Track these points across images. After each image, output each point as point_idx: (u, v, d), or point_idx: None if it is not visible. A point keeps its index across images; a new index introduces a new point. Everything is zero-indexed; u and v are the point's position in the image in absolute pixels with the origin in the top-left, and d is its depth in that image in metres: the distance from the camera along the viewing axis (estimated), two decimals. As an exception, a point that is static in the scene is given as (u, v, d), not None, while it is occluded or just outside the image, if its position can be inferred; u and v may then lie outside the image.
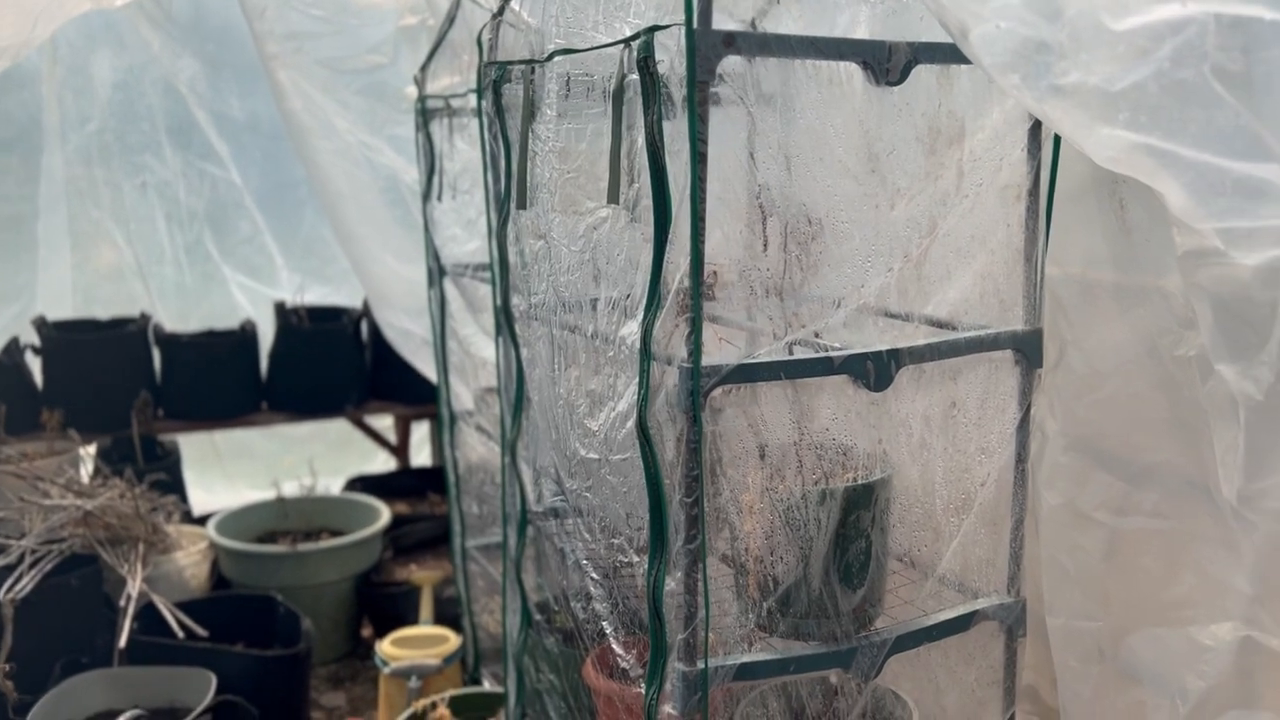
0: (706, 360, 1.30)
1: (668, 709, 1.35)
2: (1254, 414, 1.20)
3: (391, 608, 3.19)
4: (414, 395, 3.86)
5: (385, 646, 2.62)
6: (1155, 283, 1.39)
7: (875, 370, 1.39)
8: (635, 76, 1.31)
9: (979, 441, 1.54)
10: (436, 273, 2.69)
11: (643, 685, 1.39)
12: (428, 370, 3.45)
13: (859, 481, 1.43)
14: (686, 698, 1.34)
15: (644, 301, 1.34)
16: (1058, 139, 1.45)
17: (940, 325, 1.52)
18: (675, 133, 1.28)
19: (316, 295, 4.13)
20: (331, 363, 3.85)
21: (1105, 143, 1.06)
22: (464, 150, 2.52)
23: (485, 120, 1.88)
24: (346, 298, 4.15)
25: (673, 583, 1.34)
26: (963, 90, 1.44)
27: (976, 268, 1.50)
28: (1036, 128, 1.45)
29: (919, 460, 1.50)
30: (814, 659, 1.42)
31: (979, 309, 1.51)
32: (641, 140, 1.32)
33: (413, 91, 2.78)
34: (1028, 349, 1.52)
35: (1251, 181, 1.02)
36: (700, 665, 1.34)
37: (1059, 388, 1.54)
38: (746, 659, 1.38)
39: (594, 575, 1.61)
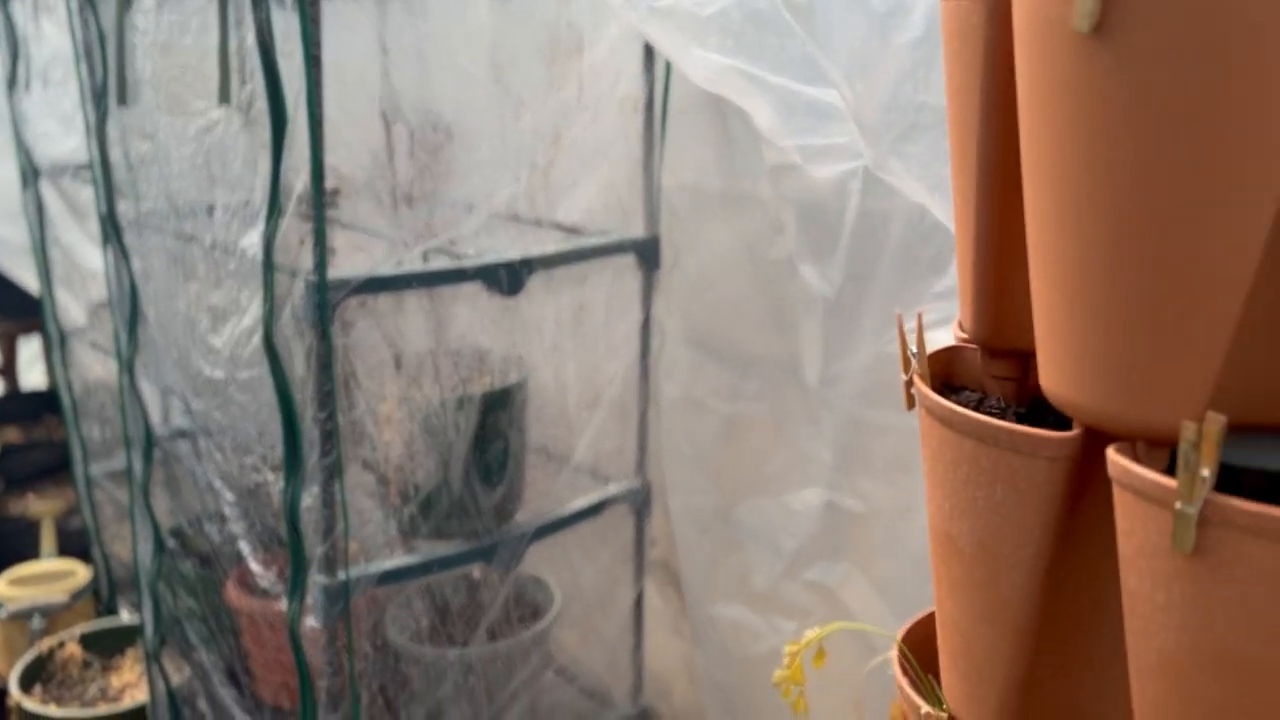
0: (335, 272, 1.28)
1: (309, 621, 1.36)
2: (829, 308, 1.37)
3: (7, 545, 2.90)
4: (17, 309, 3.45)
5: (1, 587, 2.39)
6: (753, 191, 1.53)
7: (508, 277, 1.44)
8: (240, -32, 1.24)
9: (606, 341, 1.64)
10: (30, 174, 2.40)
11: (284, 602, 1.39)
12: (31, 281, 3.10)
13: (496, 386, 1.49)
14: (328, 609, 1.35)
15: (264, 210, 1.29)
16: (670, 54, 1.54)
17: (568, 231, 1.58)
18: (289, 30, 1.23)
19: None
20: (-95, 274, 3.34)
21: (699, 64, 1.15)
22: (54, 35, 2.24)
23: (74, 2, 1.68)
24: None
25: (309, 498, 1.33)
26: (581, 3, 1.48)
27: (600, 177, 1.58)
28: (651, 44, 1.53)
29: (552, 361, 1.58)
30: (457, 558, 1.48)
31: (603, 216, 1.59)
32: (252, 38, 1.25)
33: (-15, -38, 2.41)
34: (647, 254, 1.62)
35: (820, 104, 1.15)
36: (341, 576, 1.35)
37: (675, 289, 1.66)
38: (389, 565, 1.41)
39: (229, 496, 1.56)
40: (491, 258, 1.40)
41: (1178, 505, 0.55)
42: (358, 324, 1.32)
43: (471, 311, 1.45)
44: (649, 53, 1.53)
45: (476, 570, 1.66)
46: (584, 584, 1.76)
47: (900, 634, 0.91)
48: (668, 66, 1.55)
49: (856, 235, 1.28)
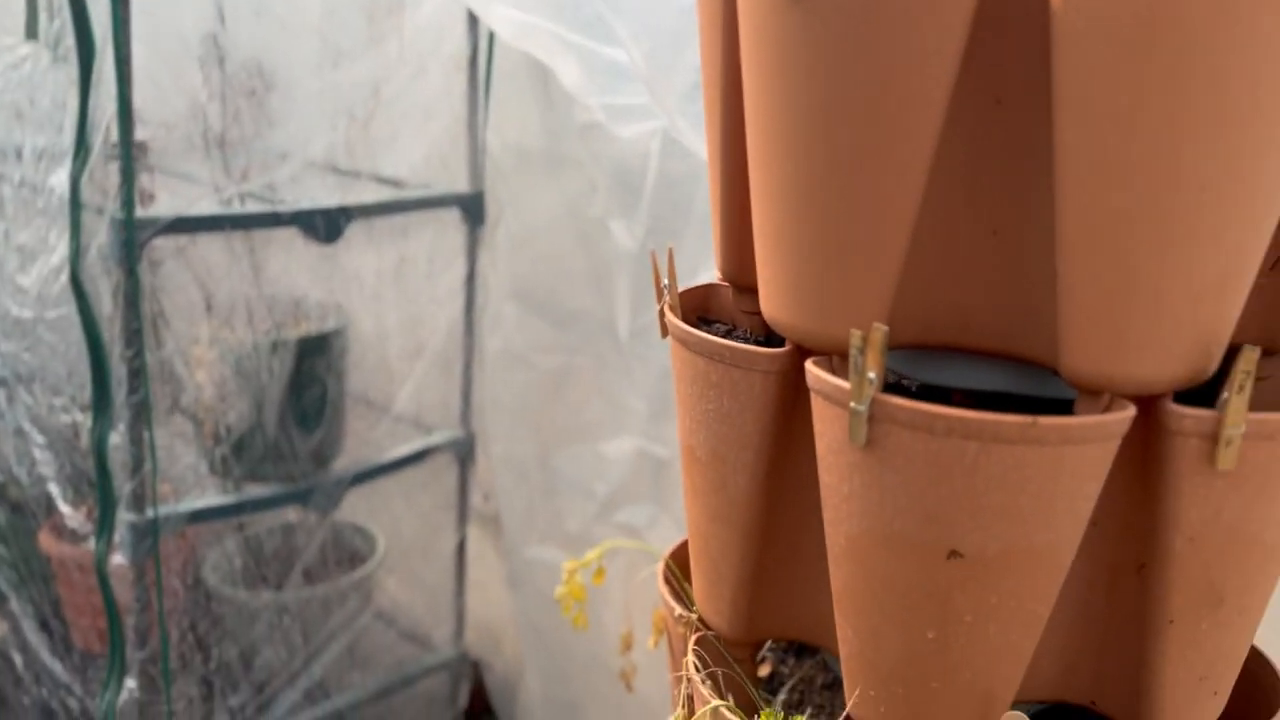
0: (144, 211, 1.29)
1: (117, 559, 1.37)
2: (634, 262, 1.45)
3: None
4: None
5: None
6: (572, 152, 1.60)
7: (325, 224, 1.47)
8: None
9: (430, 293, 1.68)
10: None
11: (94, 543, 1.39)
12: None
13: (313, 332, 1.51)
14: (136, 546, 1.36)
15: (72, 148, 1.28)
16: (495, 15, 1.59)
17: (391, 184, 1.62)
18: (99, -32, 1.23)
19: None
20: None
21: (503, 20, 1.20)
22: None
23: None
24: None
25: (117, 436, 1.34)
26: (405, -41, 1.51)
27: (424, 133, 1.62)
28: (476, 2, 1.58)
29: (373, 311, 1.62)
30: (271, 499, 1.51)
31: (426, 171, 1.63)
32: (60, -26, 1.24)
33: None
34: (471, 209, 1.67)
35: (620, 64, 1.22)
36: (149, 514, 1.36)
37: (499, 244, 1.72)
38: (200, 504, 1.43)
39: (39, 439, 1.55)
40: (307, 204, 1.43)
41: (852, 405, 0.65)
42: (166, 264, 1.33)
43: (288, 257, 1.47)
44: (473, 12, 1.58)
45: (294, 514, 1.69)
46: (406, 531, 1.80)
47: (668, 552, 1.00)
48: (492, 27, 1.60)
49: (659, 192, 1.36)
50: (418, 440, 1.71)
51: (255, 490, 1.48)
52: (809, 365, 0.69)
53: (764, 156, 0.70)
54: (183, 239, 1.34)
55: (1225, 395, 0.62)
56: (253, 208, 1.43)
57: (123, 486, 1.34)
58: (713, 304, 0.93)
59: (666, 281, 0.85)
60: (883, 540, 0.68)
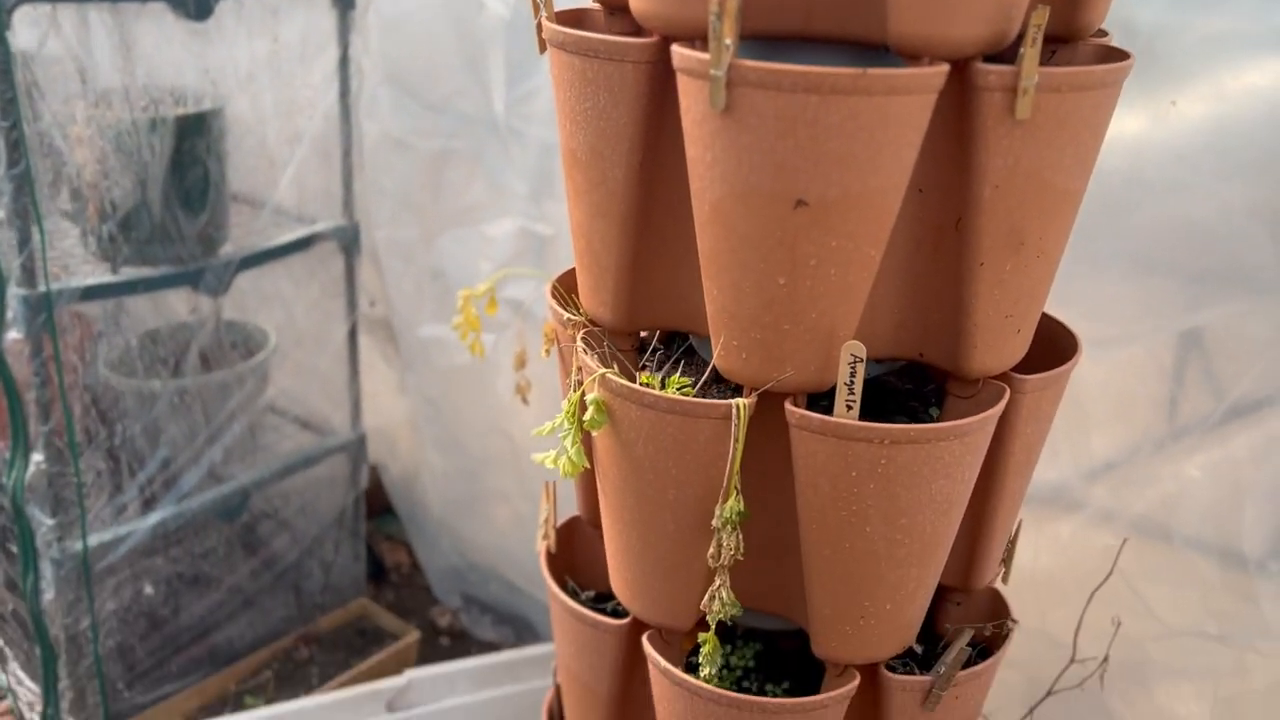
0: (5, -22, 1.27)
1: (12, 335, 1.39)
2: (509, 33, 1.50)
3: None
4: None
5: None
6: (441, -73, 1.61)
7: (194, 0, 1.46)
8: None
9: (304, 79, 1.69)
10: None
11: (-17, 321, 1.41)
12: None
13: (191, 111, 1.52)
14: (30, 320, 1.39)
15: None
16: None
17: (258, -36, 1.60)
18: None
19: None
20: None
21: None
22: None
23: None
24: None
25: (1, 211, 1.34)
26: None
27: (288, -92, 1.60)
28: None
29: (249, 93, 1.62)
30: (162, 279, 1.54)
31: (293, -51, 1.62)
32: None
33: None
34: (342, -9, 1.67)
35: None
36: (41, 288, 1.39)
37: (371, 27, 1.73)
38: (92, 281, 1.45)
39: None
40: (176, -24, 1.42)
41: (712, 72, 0.74)
42: (37, 33, 1.32)
43: (159, 34, 1.46)
44: None
45: (187, 310, 1.72)
46: (298, 322, 1.85)
47: (554, 278, 1.09)
48: None
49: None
50: (301, 229, 1.74)
51: (146, 272, 1.50)
52: (675, 47, 0.78)
53: None
54: (49, 7, 1.32)
55: (1021, 50, 0.74)
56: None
57: (11, 262, 1.36)
58: (586, 26, 1.00)
59: (543, -3, 0.92)
60: (741, 198, 0.78)
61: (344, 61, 1.71)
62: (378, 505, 2.33)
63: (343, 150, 1.76)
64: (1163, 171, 1.10)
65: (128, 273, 1.50)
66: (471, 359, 1.82)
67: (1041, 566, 1.32)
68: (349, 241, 1.82)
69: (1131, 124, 1.10)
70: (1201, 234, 1.09)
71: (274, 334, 1.83)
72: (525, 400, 1.20)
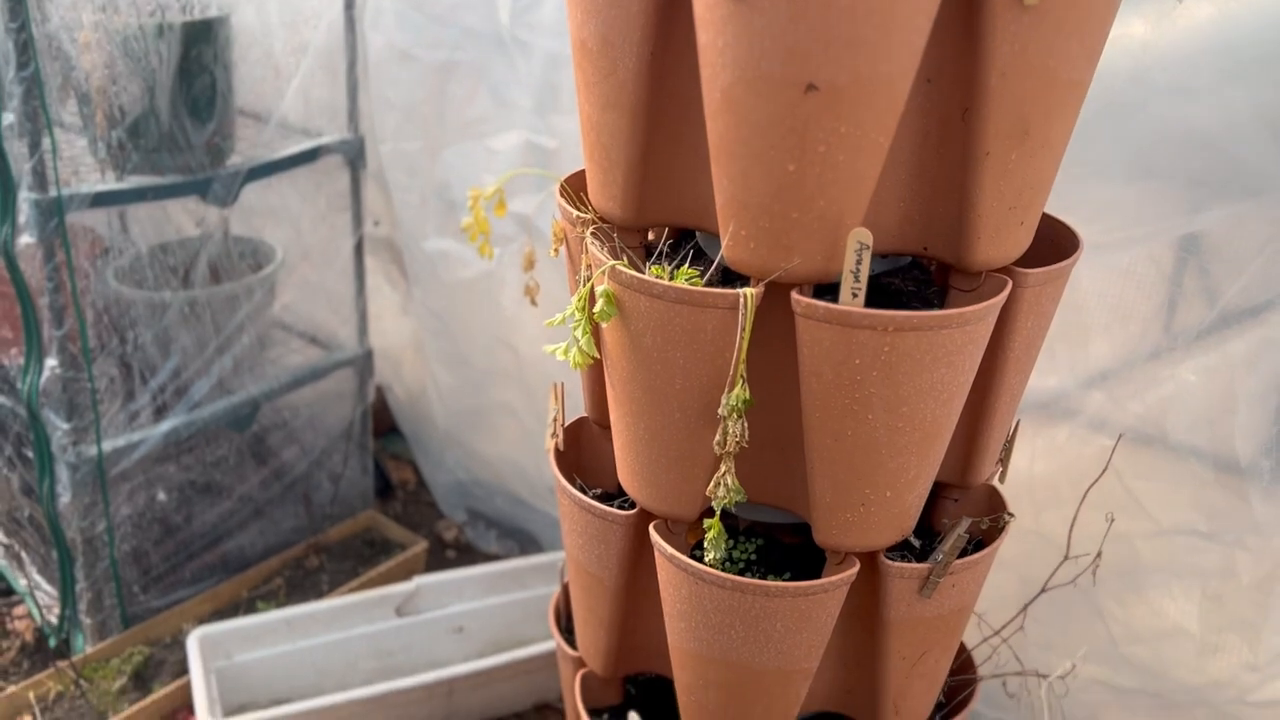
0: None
1: (25, 239, 1.41)
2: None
3: None
4: None
5: None
6: None
7: (198, -96, 1.45)
8: None
9: (309, -12, 1.69)
10: None
11: (-5, 225, 1.42)
12: None
13: (197, 17, 1.52)
14: (43, 225, 1.40)
15: None
16: None
17: None
18: None
19: None
20: None
21: None
22: None
23: None
24: None
25: (11, 115, 1.35)
26: None
27: None
28: None
29: (254, 1, 1.62)
30: (170, 188, 1.55)
31: None
32: None
33: None
34: (346, -102, 1.66)
35: None
36: (52, 193, 1.40)
37: (375, -64, 1.71)
38: (103, 188, 1.46)
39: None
40: (180, -122, 1.41)
41: (724, -45, 0.74)
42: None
43: (163, -63, 1.45)
44: None
45: (194, 225, 1.73)
46: (305, 236, 1.87)
47: (563, 178, 1.10)
48: None
49: None
50: (307, 141, 1.74)
51: (154, 179, 1.51)
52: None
53: None
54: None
55: (1032, -66, 0.74)
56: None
57: (21, 165, 1.37)
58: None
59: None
60: (751, 84, 0.79)
61: (347, -30, 1.70)
62: (383, 425, 2.37)
63: (348, 62, 1.76)
64: (1167, 73, 1.10)
65: (136, 180, 1.51)
66: (477, 271, 1.83)
67: (1038, 471, 1.35)
68: (354, 155, 1.82)
69: (1137, 24, 1.11)
70: (1203, 137, 1.10)
71: (281, 249, 1.85)
72: (534, 301, 1.21)
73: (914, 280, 1.09)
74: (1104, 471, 1.12)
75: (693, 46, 0.84)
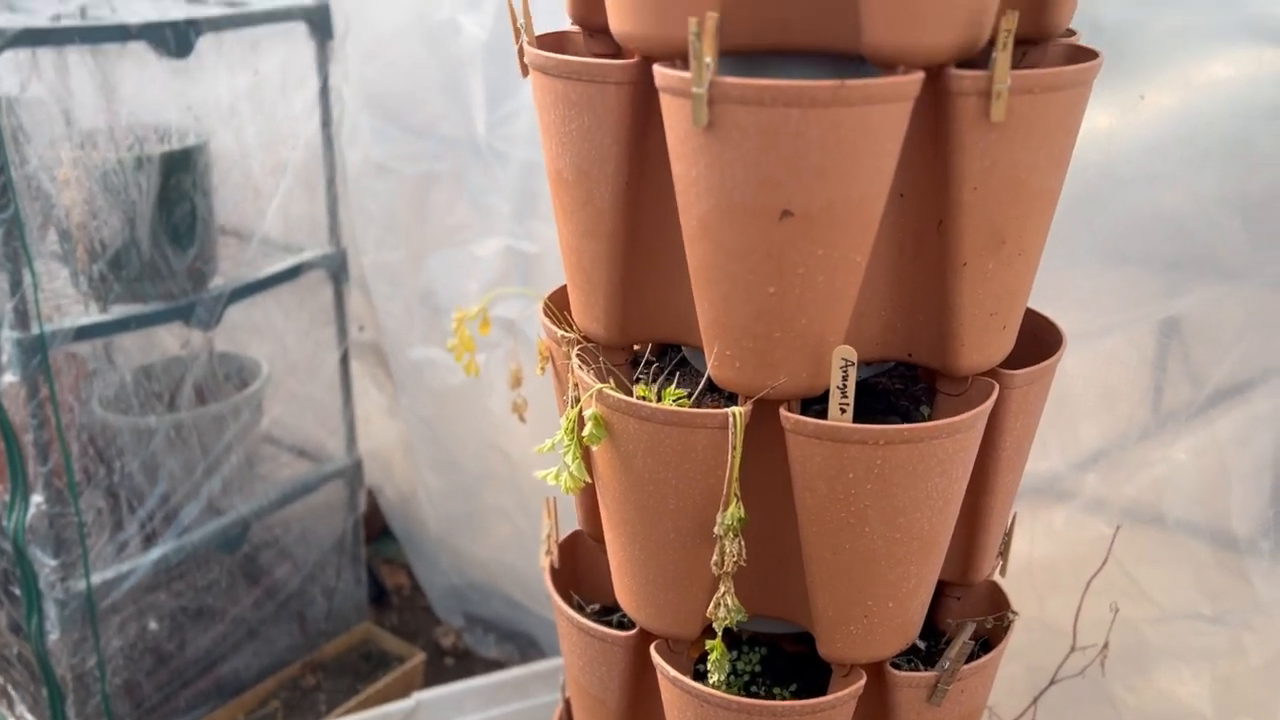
0: (-14, 25, 1.28)
1: (8, 378, 1.40)
2: (487, 55, 1.51)
3: None
4: None
5: None
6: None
7: (175, 37, 1.47)
8: None
9: (286, 110, 1.71)
10: None
11: (-23, 365, 1.41)
12: None
13: (175, 148, 1.53)
14: (25, 363, 1.39)
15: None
16: None
17: (236, 2, 1.62)
18: None
19: None
20: None
21: None
22: None
23: None
24: None
25: (-9, 256, 1.35)
26: None
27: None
28: None
29: (232, 127, 1.64)
30: (154, 315, 1.54)
31: (269, -16, 1.64)
32: None
33: None
34: (318, 22, 1.69)
35: None
36: (35, 330, 1.39)
37: (350, 56, 1.74)
38: (85, 321, 1.46)
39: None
40: (153, 17, 1.43)
41: (693, 90, 0.76)
42: (19, 77, 1.33)
43: (141, 72, 1.47)
44: None
45: (179, 344, 1.73)
46: (290, 351, 1.86)
47: (546, 296, 1.11)
48: None
49: (504, -19, 1.42)
50: (289, 258, 1.75)
51: (137, 309, 1.51)
52: (656, 67, 0.80)
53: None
54: (32, 51, 1.33)
55: (994, 55, 0.76)
56: (95, 22, 1.42)
57: (3, 305, 1.37)
58: (567, 49, 1.02)
59: (523, 21, 0.94)
60: (727, 212, 0.80)
61: (324, 91, 1.72)
62: (375, 528, 2.34)
63: (326, 178, 1.78)
64: (1134, 163, 1.12)
65: (119, 310, 1.51)
66: (464, 379, 1.83)
67: (1038, 555, 1.34)
68: (337, 268, 1.83)
69: (1102, 117, 1.13)
70: (1175, 223, 1.12)
71: (266, 364, 1.84)
72: (523, 419, 1.21)
73: (900, 378, 1.09)
74: (1104, 563, 1.11)
75: (667, 171, 0.85)
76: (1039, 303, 1.05)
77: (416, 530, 2.17)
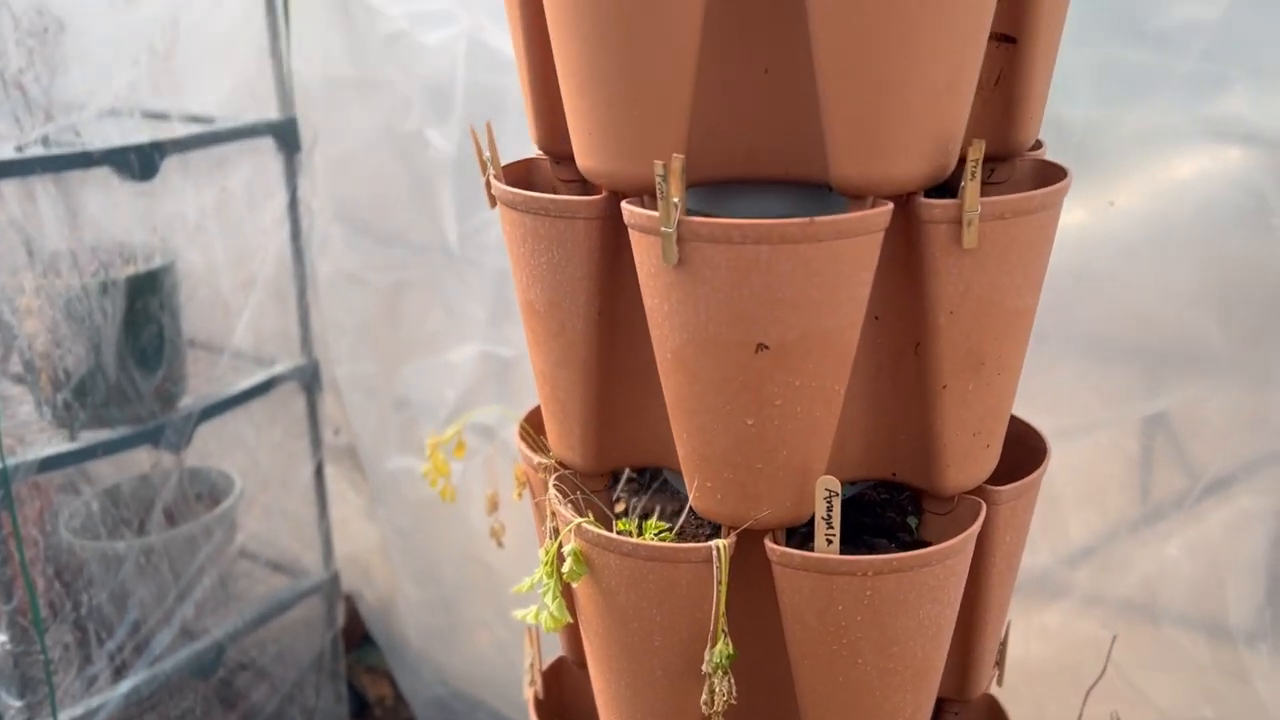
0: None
1: (-30, 515, 1.36)
2: (455, 168, 1.51)
3: None
4: None
5: None
6: (381, 74, 1.63)
7: (139, 161, 1.46)
8: None
9: (254, 224, 1.70)
10: None
11: (-62, 502, 1.37)
12: None
13: (141, 270, 1.51)
14: (-12, 498, 1.36)
15: None
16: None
17: (201, 120, 1.62)
18: None
19: None
20: None
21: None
22: None
23: None
24: None
25: (-49, 391, 1.32)
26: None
27: (228, 63, 1.62)
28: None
29: (199, 245, 1.62)
30: (121, 441, 1.51)
31: (235, 102, 1.64)
32: None
33: None
34: (285, 136, 1.69)
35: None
36: (-2, 465, 1.36)
37: (317, 169, 1.74)
38: (50, 452, 1.43)
39: None
40: (117, 141, 1.43)
41: (662, 229, 0.75)
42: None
43: (106, 199, 1.46)
44: (262, -66, 1.58)
45: (148, 463, 1.69)
46: (263, 465, 1.83)
47: (522, 417, 1.09)
48: (283, -48, 1.61)
49: (471, 94, 1.43)
50: (260, 372, 1.73)
51: (104, 435, 1.48)
52: (624, 204, 0.79)
53: (560, 26, 0.78)
54: (-8, 185, 1.32)
55: (963, 184, 0.76)
56: (59, 151, 1.41)
57: (-35, 441, 1.33)
58: (535, 177, 1.01)
59: (489, 154, 0.93)
60: (702, 346, 0.79)
61: (293, 204, 1.71)
62: (355, 635, 2.28)
63: (297, 291, 1.76)
64: (1108, 264, 1.12)
65: (86, 437, 1.48)
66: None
67: (1033, 657, 1.31)
68: (309, 380, 1.80)
69: (1073, 220, 1.13)
70: (1151, 323, 1.11)
71: (239, 479, 1.81)
72: (500, 543, 1.18)
73: (886, 487, 1.07)
74: (1103, 673, 1.09)
75: (640, 302, 0.84)
76: (1019, 402, 1.04)
77: (397, 639, 2.12)
